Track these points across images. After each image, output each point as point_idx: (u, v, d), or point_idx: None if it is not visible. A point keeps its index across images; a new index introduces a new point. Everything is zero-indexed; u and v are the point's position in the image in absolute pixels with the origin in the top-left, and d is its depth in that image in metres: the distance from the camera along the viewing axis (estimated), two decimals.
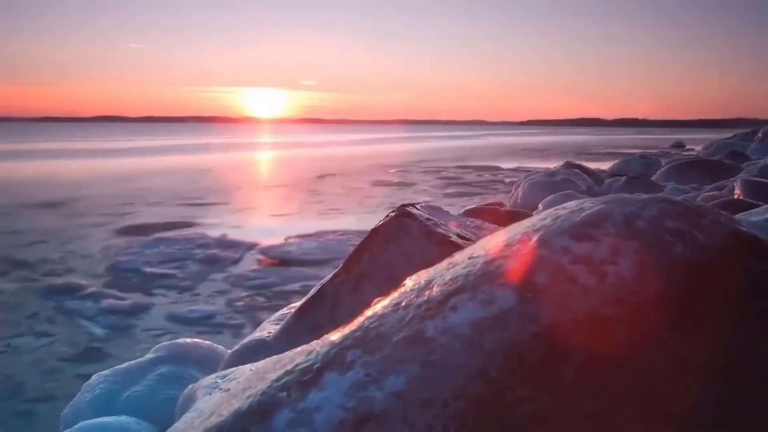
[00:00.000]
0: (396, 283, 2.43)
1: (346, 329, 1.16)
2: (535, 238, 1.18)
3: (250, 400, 1.05)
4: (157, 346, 4.38)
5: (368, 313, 1.23)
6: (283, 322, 2.67)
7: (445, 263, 1.30)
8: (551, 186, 12.73)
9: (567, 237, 1.15)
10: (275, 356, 1.99)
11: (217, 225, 11.61)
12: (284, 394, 1.02)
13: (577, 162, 16.62)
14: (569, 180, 13.27)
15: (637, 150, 30.99)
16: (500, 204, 7.30)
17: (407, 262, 2.41)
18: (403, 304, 1.16)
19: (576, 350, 1.00)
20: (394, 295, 1.24)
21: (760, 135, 24.19)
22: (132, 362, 4.32)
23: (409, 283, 1.30)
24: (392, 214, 2.59)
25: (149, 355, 4.37)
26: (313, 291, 2.96)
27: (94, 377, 4.26)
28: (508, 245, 1.21)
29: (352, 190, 18.06)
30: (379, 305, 1.23)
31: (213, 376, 1.99)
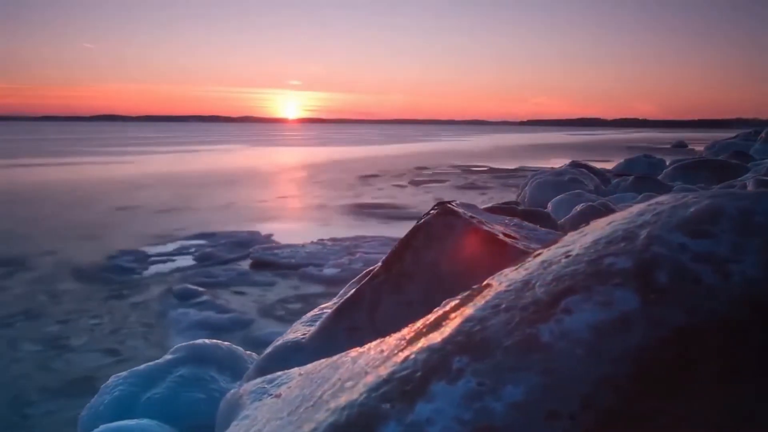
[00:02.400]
0: (442, 283, 2.34)
1: (445, 333, 1.06)
2: (644, 234, 1.09)
3: (346, 412, 0.96)
4: (175, 347, 4.28)
5: (459, 315, 1.14)
6: (318, 323, 2.58)
7: (537, 261, 1.21)
8: (559, 185, 12.65)
9: (681, 233, 1.06)
10: (325, 359, 1.89)
11: None
12: (387, 405, 0.92)
13: (583, 161, 16.56)
14: (577, 179, 13.20)
15: (639, 149, 30.96)
16: (516, 203, 7.22)
17: (453, 262, 2.33)
18: (504, 306, 1.06)
19: (710, 356, 0.91)
20: (487, 296, 1.15)
21: (763, 135, 24.15)
22: (150, 363, 4.21)
23: (497, 283, 1.21)
24: (433, 211, 2.49)
25: (168, 356, 4.26)
26: (348, 291, 2.87)
27: (111, 379, 4.16)
28: (610, 242, 1.12)
29: None
30: (472, 307, 1.14)
31: (258, 380, 1.90)
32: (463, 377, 0.93)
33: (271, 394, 1.74)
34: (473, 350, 0.98)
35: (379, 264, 2.77)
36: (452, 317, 1.16)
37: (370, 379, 1.06)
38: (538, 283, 1.09)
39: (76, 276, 8.30)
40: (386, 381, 0.99)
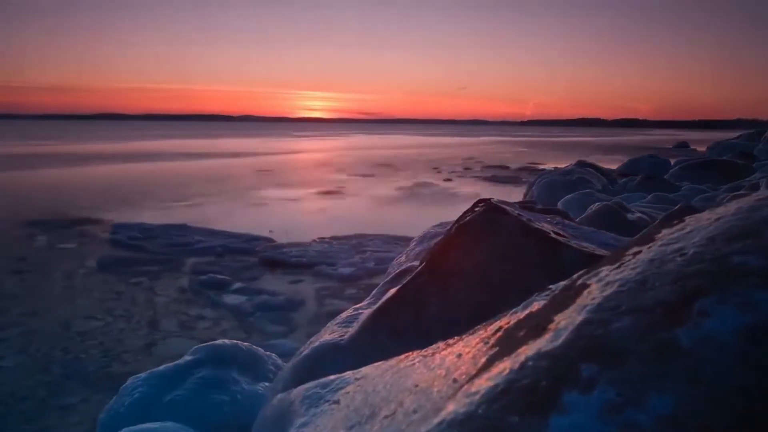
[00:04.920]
0: (491, 283, 2.26)
1: (559, 338, 0.98)
2: None
3: (467, 426, 0.87)
4: (194, 347, 4.17)
5: (565, 317, 1.05)
6: (358, 325, 2.49)
7: (643, 260, 1.12)
8: (567, 185, 12.59)
9: None
10: (382, 363, 1.81)
11: None
12: (515, 418, 0.84)
13: (590, 161, 16.49)
14: (585, 179, 13.13)
15: (641, 150, 30.92)
16: (533, 202, 7.13)
17: (504, 261, 2.24)
18: (624, 308, 0.98)
19: None
20: (596, 297, 1.06)
21: (767, 135, 24.12)
22: (170, 364, 4.10)
23: (600, 283, 1.12)
24: (478, 209, 2.40)
25: (187, 357, 4.16)
26: (384, 290, 2.78)
27: (130, 380, 4.05)
28: (730, 239, 1.04)
29: None
30: (580, 309, 1.05)
31: (311, 384, 1.81)
32: (597, 387, 0.84)
33: (329, 400, 1.65)
34: (602, 357, 0.89)
35: (417, 263, 2.69)
36: (556, 319, 1.08)
37: (479, 386, 0.97)
38: (657, 284, 1.01)
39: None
40: (505, 391, 0.90)
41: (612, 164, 21.17)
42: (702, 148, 34.82)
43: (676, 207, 6.01)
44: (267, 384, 3.84)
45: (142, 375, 3.92)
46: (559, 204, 10.30)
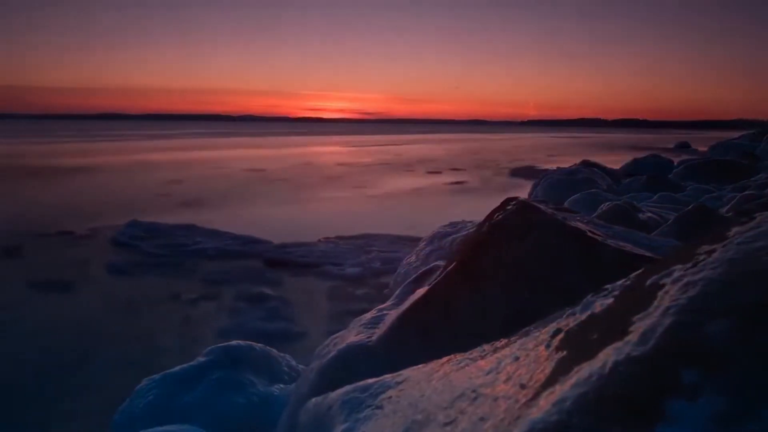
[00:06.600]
0: (525, 282, 2.20)
1: (648, 341, 0.92)
2: None
3: None
4: (208, 348, 4.10)
5: (647, 318, 1.00)
6: (385, 325, 2.43)
7: (721, 259, 1.06)
8: (572, 185, 12.53)
9: None
10: (422, 366, 1.75)
11: None
12: (617, 428, 0.78)
13: (594, 161, 16.43)
14: (590, 179, 13.08)
15: (643, 150, 30.90)
16: (545, 201, 7.09)
17: (540, 260, 2.18)
18: (716, 309, 0.92)
19: None
20: (676, 298, 1.00)
21: None
22: (184, 366, 4.03)
23: (677, 283, 1.07)
24: (510, 207, 2.34)
25: (201, 359, 4.09)
26: (409, 290, 2.73)
27: (144, 381, 3.98)
28: None
29: None
30: (664, 310, 0.99)
31: (349, 388, 1.75)
32: (703, 394, 0.79)
33: (371, 405, 1.60)
34: (703, 362, 0.83)
35: (443, 262, 2.63)
36: (636, 321, 1.02)
37: (564, 393, 0.91)
38: (748, 283, 0.95)
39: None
40: (598, 399, 0.84)
41: (614, 164, 21.13)
42: (703, 148, 34.78)
43: (691, 206, 5.97)
44: (282, 385, 3.78)
45: (156, 376, 3.85)
46: (566, 203, 10.26)
